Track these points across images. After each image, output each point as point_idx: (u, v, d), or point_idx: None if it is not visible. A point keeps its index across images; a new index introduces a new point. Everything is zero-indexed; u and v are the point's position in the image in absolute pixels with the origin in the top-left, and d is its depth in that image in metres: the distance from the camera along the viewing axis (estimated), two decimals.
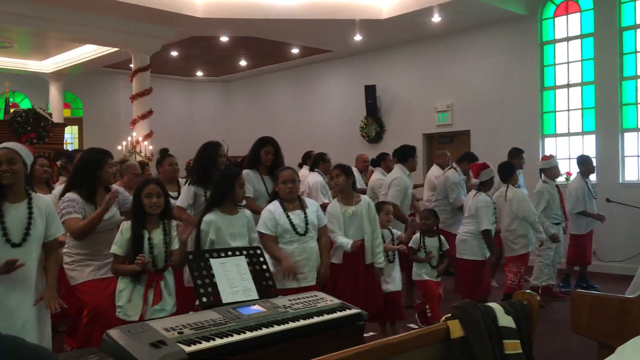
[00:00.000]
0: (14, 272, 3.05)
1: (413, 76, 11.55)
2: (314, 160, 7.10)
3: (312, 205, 4.25)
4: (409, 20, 9.89)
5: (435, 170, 7.80)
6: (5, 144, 3.25)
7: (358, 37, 10.93)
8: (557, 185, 6.85)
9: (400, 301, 5.02)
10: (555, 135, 9.72)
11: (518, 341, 2.23)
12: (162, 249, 3.59)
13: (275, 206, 4.15)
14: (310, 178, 6.63)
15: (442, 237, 5.34)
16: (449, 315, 2.19)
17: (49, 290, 3.20)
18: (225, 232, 3.86)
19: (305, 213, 4.14)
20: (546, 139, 9.81)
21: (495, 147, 9.20)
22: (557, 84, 9.69)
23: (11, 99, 12.48)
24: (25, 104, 13.28)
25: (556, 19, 9.68)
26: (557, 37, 9.67)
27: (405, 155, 6.34)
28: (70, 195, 3.84)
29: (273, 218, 4.07)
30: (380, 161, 7.86)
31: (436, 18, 9.72)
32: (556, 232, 6.57)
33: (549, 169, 6.82)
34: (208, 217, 3.87)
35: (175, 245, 3.64)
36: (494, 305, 2.33)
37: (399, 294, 4.98)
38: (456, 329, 2.14)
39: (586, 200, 7.10)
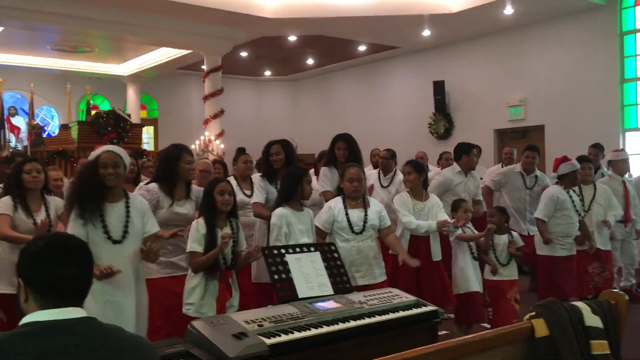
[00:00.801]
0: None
1: (484, 70, 11.29)
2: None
3: (375, 206, 4.21)
4: (480, 14, 9.68)
5: (497, 167, 7.56)
6: (109, 147, 3.39)
7: (427, 33, 10.80)
8: (623, 181, 6.41)
9: (477, 302, 4.80)
10: (638, 129, 9.24)
11: (606, 342, 2.16)
12: (231, 246, 3.65)
13: (336, 202, 4.17)
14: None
15: (514, 233, 5.14)
16: (533, 313, 2.14)
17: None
18: (295, 227, 3.91)
19: (366, 212, 4.11)
20: (627, 133, 9.34)
21: (572, 142, 8.86)
22: (639, 75, 9.21)
23: (92, 101, 13.18)
24: (105, 106, 13.96)
25: (637, 7, 9.20)
26: (639, 26, 9.18)
27: (458, 153, 5.96)
28: (149, 185, 4.00)
29: (331, 215, 4.08)
30: (439, 161, 7.72)
31: (508, 10, 9.46)
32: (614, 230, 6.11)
33: (616, 162, 6.43)
34: (280, 211, 3.92)
35: (243, 245, 3.70)
36: (580, 304, 2.26)
37: (479, 294, 4.80)
38: (541, 328, 2.09)
39: None
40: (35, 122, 11.12)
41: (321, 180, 4.93)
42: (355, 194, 4.12)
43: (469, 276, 4.71)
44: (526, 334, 2.13)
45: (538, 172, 6.61)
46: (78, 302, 1.58)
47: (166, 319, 3.73)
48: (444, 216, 4.58)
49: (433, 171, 7.38)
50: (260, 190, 4.62)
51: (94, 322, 1.56)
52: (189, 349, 2.54)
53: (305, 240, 3.87)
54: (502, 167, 7.22)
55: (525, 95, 10.58)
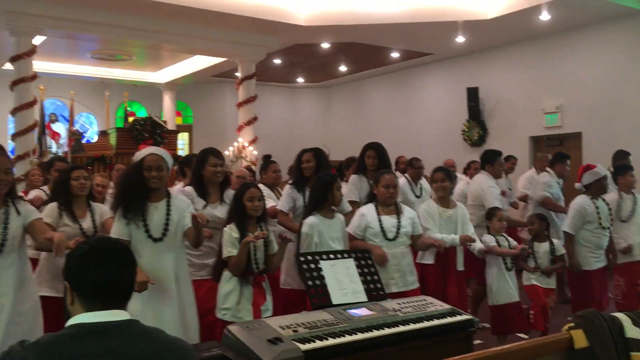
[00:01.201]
0: (157, 270, 3.30)
1: (519, 77, 11.15)
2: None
3: (408, 213, 4.21)
4: (515, 20, 9.57)
5: (529, 173, 7.42)
6: (153, 150, 3.48)
7: (460, 39, 10.72)
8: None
9: (514, 313, 4.69)
10: None
11: None
12: (263, 250, 3.68)
13: (369, 209, 4.17)
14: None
15: (555, 241, 5.05)
16: (572, 324, 2.11)
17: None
18: (326, 235, 3.92)
19: (399, 219, 4.11)
20: None
21: (610, 150, 8.64)
22: None
23: (129, 108, 13.47)
24: (142, 113, 14.24)
25: None
26: None
27: (486, 161, 5.82)
28: (186, 187, 4.13)
29: (364, 221, 4.08)
30: (467, 170, 7.61)
31: (545, 16, 9.31)
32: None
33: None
34: (310, 220, 3.94)
35: (274, 249, 3.71)
36: (620, 315, 2.21)
37: (516, 305, 4.70)
38: (580, 339, 2.06)
39: None
40: (75, 129, 11.41)
41: (349, 190, 4.93)
42: (389, 201, 4.13)
43: (504, 288, 4.64)
44: (565, 344, 2.10)
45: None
46: (121, 305, 1.63)
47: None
48: (470, 228, 4.57)
49: (463, 180, 7.31)
50: (288, 198, 4.63)
51: (135, 325, 1.61)
52: (226, 353, 2.58)
53: (337, 247, 3.88)
54: (538, 174, 7.08)
55: (562, 102, 10.40)
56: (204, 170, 4.04)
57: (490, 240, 4.70)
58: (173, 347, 1.62)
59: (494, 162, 5.70)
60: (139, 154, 3.46)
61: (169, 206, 3.43)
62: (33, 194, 5.34)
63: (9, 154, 3.59)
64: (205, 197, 4.04)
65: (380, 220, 4.06)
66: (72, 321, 1.58)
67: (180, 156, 9.83)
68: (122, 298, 1.64)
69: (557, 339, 2.11)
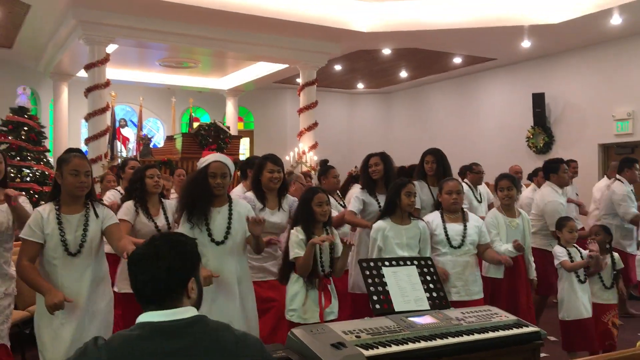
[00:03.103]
0: (220, 272, 3.40)
1: (587, 82, 10.77)
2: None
3: (474, 221, 4.15)
4: (584, 24, 9.27)
5: (601, 182, 7.13)
6: (217, 157, 3.57)
7: (526, 44, 10.48)
8: None
9: (586, 329, 4.42)
10: None
11: None
12: (328, 253, 3.71)
13: (434, 217, 4.14)
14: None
15: (615, 254, 4.77)
16: None
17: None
18: (393, 240, 3.91)
19: (465, 227, 4.05)
20: None
21: None
22: None
23: (194, 114, 13.88)
24: (205, 118, 14.64)
25: None
26: None
27: (549, 171, 5.59)
28: (247, 193, 4.22)
29: (429, 228, 4.06)
30: (533, 177, 7.37)
31: (616, 20, 8.99)
32: None
33: None
34: (378, 225, 3.97)
35: (338, 253, 3.72)
36: None
37: (588, 321, 4.43)
38: None
39: None
40: (143, 134, 11.85)
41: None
42: (454, 207, 4.08)
43: (575, 302, 4.41)
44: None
45: None
46: (171, 304, 1.63)
47: None
48: (529, 238, 4.51)
49: (531, 186, 7.12)
50: (357, 200, 4.65)
51: (204, 322, 1.63)
52: (290, 356, 2.62)
53: (405, 254, 3.85)
54: (613, 182, 6.79)
55: (634, 109, 9.97)
56: (261, 177, 4.10)
57: (561, 252, 4.49)
58: (241, 343, 1.63)
59: (557, 171, 5.54)
60: (204, 161, 3.55)
61: (231, 211, 3.52)
62: (110, 194, 5.56)
63: None
64: (264, 203, 4.10)
65: (445, 227, 4.03)
66: (140, 319, 1.62)
67: (241, 161, 10.04)
68: (164, 298, 1.62)
69: (632, 354, 2.04)
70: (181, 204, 3.58)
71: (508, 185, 4.49)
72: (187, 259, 1.68)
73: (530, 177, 7.61)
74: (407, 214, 4.01)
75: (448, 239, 4.00)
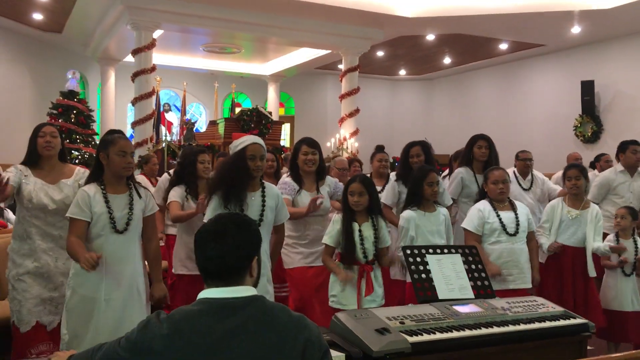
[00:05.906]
0: None
1: None
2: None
3: (522, 208, 4.10)
4: (637, 9, 8.92)
5: None
6: (255, 139, 3.50)
7: (576, 30, 10.17)
8: None
9: (626, 321, 4.29)
10: None
11: None
12: (372, 241, 3.69)
13: (484, 205, 4.07)
14: None
15: (638, 239, 4.46)
16: None
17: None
18: (424, 229, 3.89)
19: (516, 214, 4.00)
20: None
21: None
22: None
23: (236, 99, 14.01)
24: (247, 104, 14.76)
25: None
26: None
27: (619, 150, 5.45)
28: (285, 178, 4.23)
29: (482, 217, 3.99)
30: (596, 162, 7.18)
31: None
32: None
33: None
34: (407, 214, 3.93)
35: (386, 243, 3.69)
36: None
37: (631, 314, 4.27)
38: None
39: None
40: (186, 118, 12.04)
41: (454, 186, 4.85)
42: (501, 197, 4.02)
43: (616, 293, 4.30)
44: None
45: None
46: (236, 281, 1.67)
47: (295, 307, 3.83)
48: (600, 231, 4.31)
49: (590, 174, 6.93)
50: (392, 191, 4.59)
51: (260, 301, 1.68)
52: (334, 339, 2.64)
53: (437, 241, 3.84)
54: None
55: None
56: (297, 159, 4.11)
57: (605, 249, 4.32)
58: (296, 324, 1.67)
59: (625, 150, 5.29)
60: (239, 143, 3.45)
61: (264, 196, 3.48)
62: (164, 179, 5.46)
63: None
64: (301, 186, 4.11)
65: (498, 215, 3.98)
66: (201, 295, 1.67)
67: (283, 147, 10.10)
68: (230, 275, 1.67)
69: None
70: (215, 186, 3.45)
71: (576, 174, 4.33)
72: (253, 238, 1.74)
73: (593, 165, 7.36)
74: (431, 202, 3.99)
75: (504, 226, 3.95)
